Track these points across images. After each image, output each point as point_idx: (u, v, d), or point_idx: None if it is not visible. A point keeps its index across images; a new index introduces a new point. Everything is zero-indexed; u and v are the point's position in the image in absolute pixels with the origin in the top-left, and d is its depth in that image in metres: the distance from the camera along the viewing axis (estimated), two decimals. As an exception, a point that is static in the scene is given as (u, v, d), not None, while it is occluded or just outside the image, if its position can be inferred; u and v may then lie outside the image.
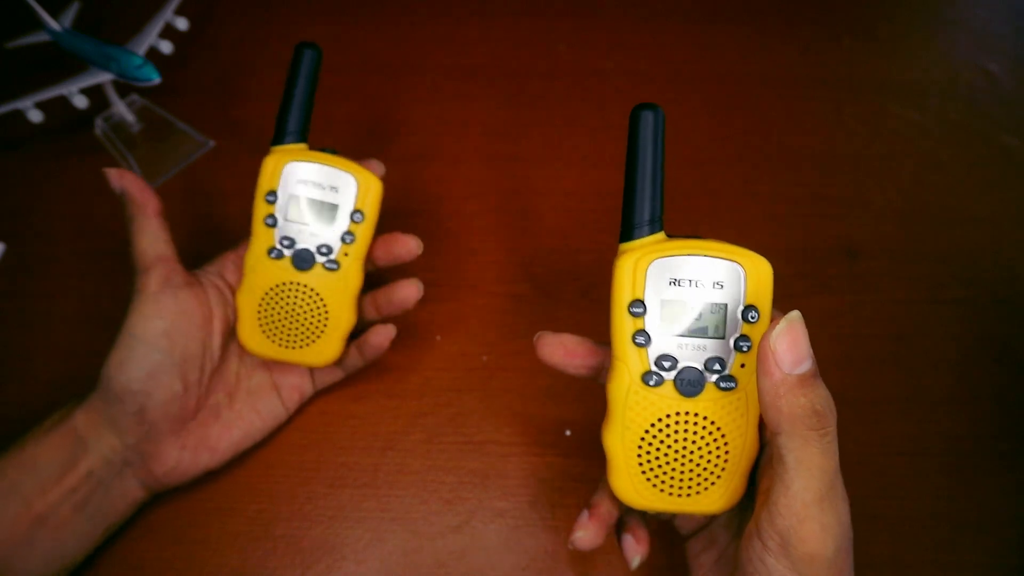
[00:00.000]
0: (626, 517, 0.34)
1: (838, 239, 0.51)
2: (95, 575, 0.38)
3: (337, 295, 0.39)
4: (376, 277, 0.42)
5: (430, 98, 0.58)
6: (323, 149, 0.39)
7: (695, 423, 0.30)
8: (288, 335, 0.39)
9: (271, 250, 0.38)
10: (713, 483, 0.31)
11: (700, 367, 0.30)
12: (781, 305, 0.48)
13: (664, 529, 0.36)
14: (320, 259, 0.38)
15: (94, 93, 0.49)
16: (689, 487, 0.31)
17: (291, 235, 0.38)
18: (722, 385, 0.30)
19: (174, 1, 0.52)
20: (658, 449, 0.30)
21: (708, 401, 0.30)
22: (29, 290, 0.47)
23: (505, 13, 0.63)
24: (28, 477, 0.35)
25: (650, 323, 0.30)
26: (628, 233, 0.31)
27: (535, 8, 0.64)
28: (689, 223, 0.52)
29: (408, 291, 0.40)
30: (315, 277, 0.39)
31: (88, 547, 0.36)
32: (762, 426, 0.31)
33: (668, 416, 0.30)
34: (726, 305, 0.30)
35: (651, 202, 0.30)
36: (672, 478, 0.31)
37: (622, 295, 0.30)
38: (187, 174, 0.53)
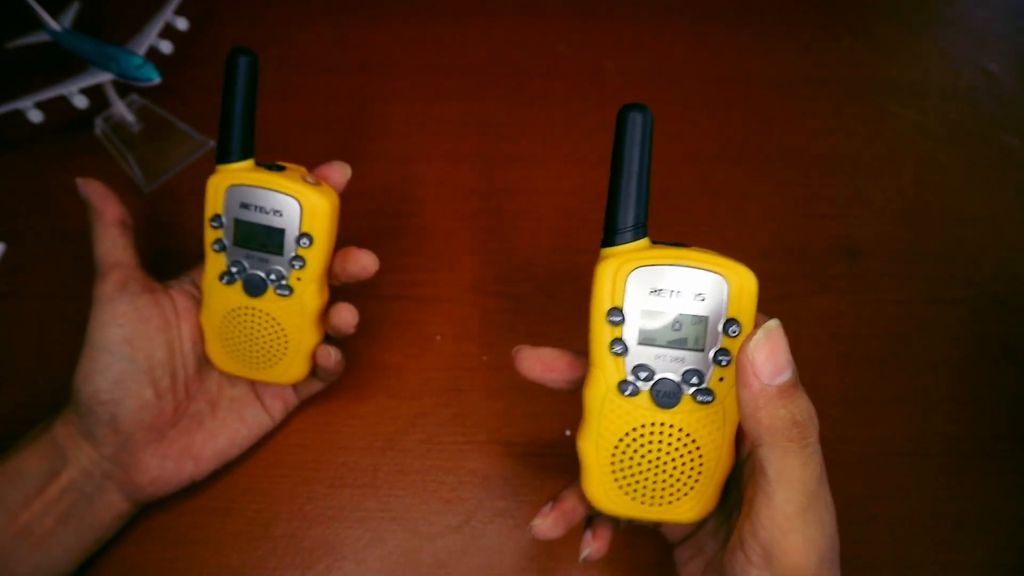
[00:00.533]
0: (595, 516, 0.34)
1: (838, 239, 0.51)
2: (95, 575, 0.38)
3: (294, 319, 0.37)
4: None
5: (430, 98, 0.58)
6: (269, 166, 0.36)
7: (670, 434, 0.30)
8: (250, 357, 0.38)
9: (222, 275, 0.37)
10: (686, 493, 0.30)
11: (677, 379, 0.30)
12: (781, 305, 0.48)
13: (654, 535, 0.36)
14: (272, 284, 0.36)
15: (94, 93, 0.49)
16: (661, 496, 0.31)
17: (240, 260, 0.36)
18: (699, 398, 0.30)
19: (174, 1, 0.52)
20: (631, 458, 0.30)
21: (684, 413, 0.30)
22: (29, 290, 0.47)
23: (505, 13, 0.63)
24: (11, 489, 0.35)
25: (628, 332, 0.29)
26: (610, 238, 0.30)
27: (535, 8, 0.64)
28: (688, 223, 0.52)
29: (342, 317, 0.38)
30: (269, 302, 0.37)
31: (76, 558, 0.36)
32: (741, 437, 0.31)
33: (643, 426, 0.30)
34: (707, 318, 0.29)
35: (635, 207, 0.30)
36: (644, 486, 0.30)
37: (601, 302, 0.29)
38: (187, 174, 0.53)
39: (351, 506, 0.40)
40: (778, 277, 0.49)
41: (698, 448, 0.30)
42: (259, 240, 0.36)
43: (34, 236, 0.50)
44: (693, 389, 0.30)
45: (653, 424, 0.30)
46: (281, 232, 0.36)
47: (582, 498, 0.32)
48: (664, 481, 0.30)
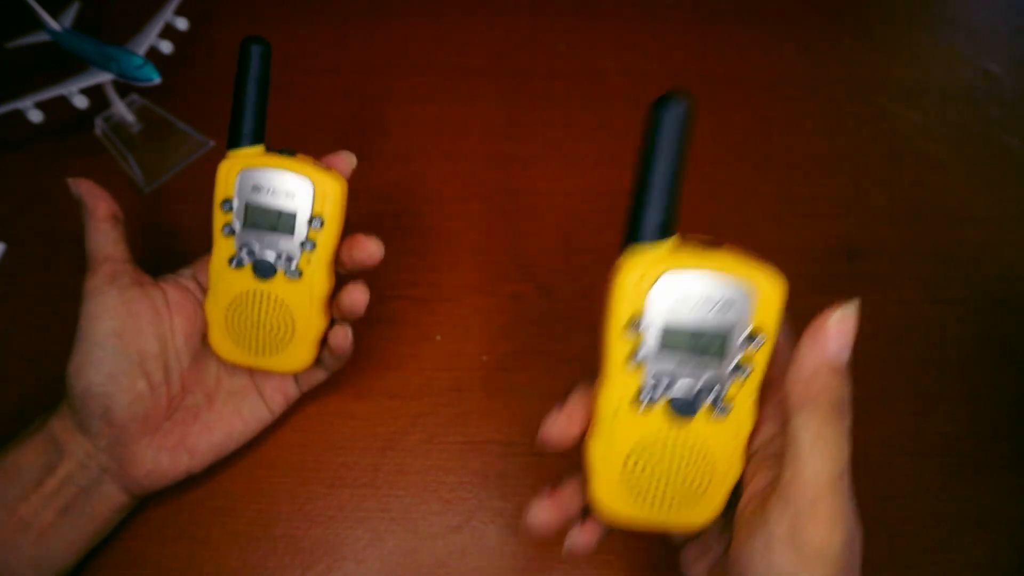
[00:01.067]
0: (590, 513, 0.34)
1: (838, 239, 0.51)
2: (95, 574, 0.38)
3: (303, 302, 0.37)
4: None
5: (429, 98, 0.58)
6: (281, 151, 0.37)
7: (684, 447, 0.29)
8: (257, 343, 0.38)
9: (232, 259, 0.37)
10: (695, 501, 0.30)
11: (695, 391, 0.29)
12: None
13: (657, 535, 0.36)
14: (281, 267, 0.37)
15: (94, 93, 0.49)
16: (670, 505, 0.30)
17: (250, 244, 0.37)
18: (716, 411, 0.29)
19: (174, 1, 0.52)
20: (643, 470, 0.29)
21: (700, 426, 0.29)
22: (29, 290, 0.47)
23: (505, 13, 0.63)
24: (10, 483, 0.35)
25: (648, 342, 0.28)
26: (636, 234, 0.28)
27: (535, 8, 0.64)
28: (688, 223, 0.52)
29: (353, 297, 0.37)
30: (278, 286, 0.37)
31: (77, 552, 0.36)
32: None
33: (656, 439, 0.29)
34: (730, 329, 0.28)
35: (668, 204, 0.28)
36: (655, 497, 0.30)
37: (621, 309, 0.28)
38: (187, 174, 0.53)
39: (351, 506, 0.40)
40: (778, 277, 0.49)
41: (712, 459, 0.29)
42: (270, 222, 0.36)
43: (34, 236, 0.50)
44: (710, 401, 0.29)
45: (668, 437, 0.29)
46: (293, 214, 0.36)
47: (579, 491, 0.32)
48: (675, 491, 0.30)
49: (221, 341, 0.38)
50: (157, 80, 0.47)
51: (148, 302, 0.37)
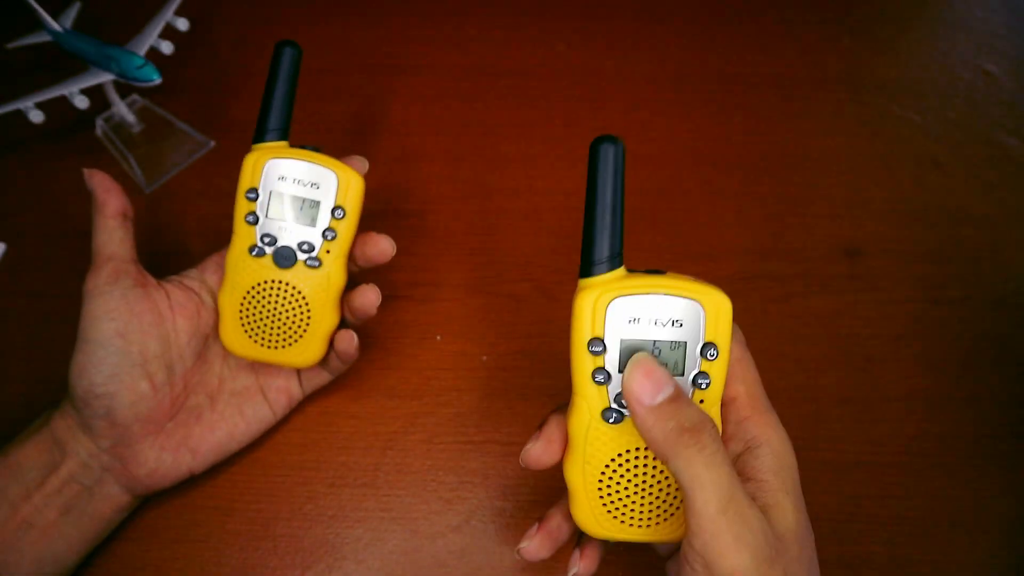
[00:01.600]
0: (584, 536, 0.34)
1: (838, 239, 0.51)
2: (96, 574, 0.38)
3: (319, 293, 0.38)
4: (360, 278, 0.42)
5: (430, 98, 0.58)
6: (304, 147, 0.38)
7: (655, 459, 0.30)
8: (270, 335, 0.38)
9: (252, 248, 0.38)
10: (672, 514, 0.31)
11: None
12: (782, 305, 0.48)
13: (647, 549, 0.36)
14: (302, 256, 0.38)
15: (95, 93, 0.49)
16: (649, 518, 0.31)
17: (272, 232, 0.38)
18: None
19: (174, 2, 0.52)
20: (618, 483, 0.30)
21: None
22: (29, 289, 0.47)
23: (505, 13, 0.63)
24: (12, 482, 0.35)
25: (610, 361, 0.30)
26: (587, 269, 0.30)
27: (535, 8, 0.64)
28: (688, 223, 0.52)
29: (366, 297, 0.39)
30: (297, 275, 0.38)
31: (79, 551, 0.36)
32: None
33: (628, 452, 0.30)
34: (685, 343, 0.30)
35: (611, 238, 0.30)
36: (632, 510, 0.31)
37: (582, 333, 0.30)
38: (187, 174, 0.53)
39: (351, 506, 0.40)
40: (778, 277, 0.49)
41: None
42: (294, 211, 0.38)
43: (34, 236, 0.50)
44: None
45: (638, 449, 0.30)
46: (316, 204, 0.38)
47: (567, 517, 0.33)
48: (651, 504, 0.31)
49: (232, 334, 0.39)
50: (157, 80, 0.47)
51: (151, 303, 0.37)
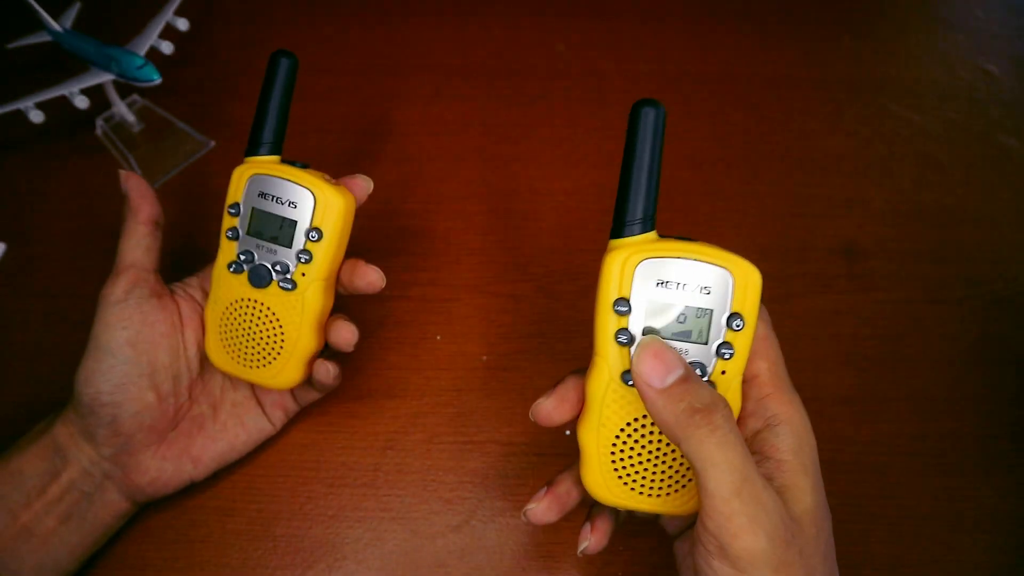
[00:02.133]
0: (595, 508, 0.34)
1: (838, 239, 0.51)
2: (96, 575, 0.38)
3: (293, 316, 0.36)
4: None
5: (430, 98, 0.58)
6: (294, 163, 0.37)
7: None
8: (245, 353, 0.37)
9: (231, 264, 0.37)
10: (684, 486, 0.31)
11: None
12: (782, 305, 0.48)
13: (653, 528, 0.36)
14: (276, 277, 0.36)
15: (95, 93, 0.49)
16: (660, 488, 0.31)
17: (250, 250, 0.36)
18: None
19: (175, 2, 0.52)
20: (632, 448, 0.30)
21: None
22: (29, 290, 0.47)
23: (505, 13, 0.63)
24: (12, 488, 0.35)
25: (634, 323, 0.30)
26: (619, 230, 0.30)
27: (535, 8, 0.64)
28: (689, 223, 0.52)
29: (340, 336, 0.37)
30: (271, 296, 0.36)
31: (79, 557, 0.36)
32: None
33: (645, 417, 0.30)
34: (712, 311, 0.29)
35: (645, 200, 0.30)
36: (644, 478, 0.31)
37: (608, 292, 0.30)
38: (187, 174, 0.53)
39: (351, 506, 0.40)
40: (778, 277, 0.49)
41: None
42: (271, 230, 0.36)
43: (34, 236, 0.50)
44: None
45: None
46: (293, 224, 0.36)
47: (577, 483, 0.33)
48: (663, 472, 0.30)
49: (215, 348, 0.38)
50: (157, 80, 0.47)
51: (165, 314, 0.37)
